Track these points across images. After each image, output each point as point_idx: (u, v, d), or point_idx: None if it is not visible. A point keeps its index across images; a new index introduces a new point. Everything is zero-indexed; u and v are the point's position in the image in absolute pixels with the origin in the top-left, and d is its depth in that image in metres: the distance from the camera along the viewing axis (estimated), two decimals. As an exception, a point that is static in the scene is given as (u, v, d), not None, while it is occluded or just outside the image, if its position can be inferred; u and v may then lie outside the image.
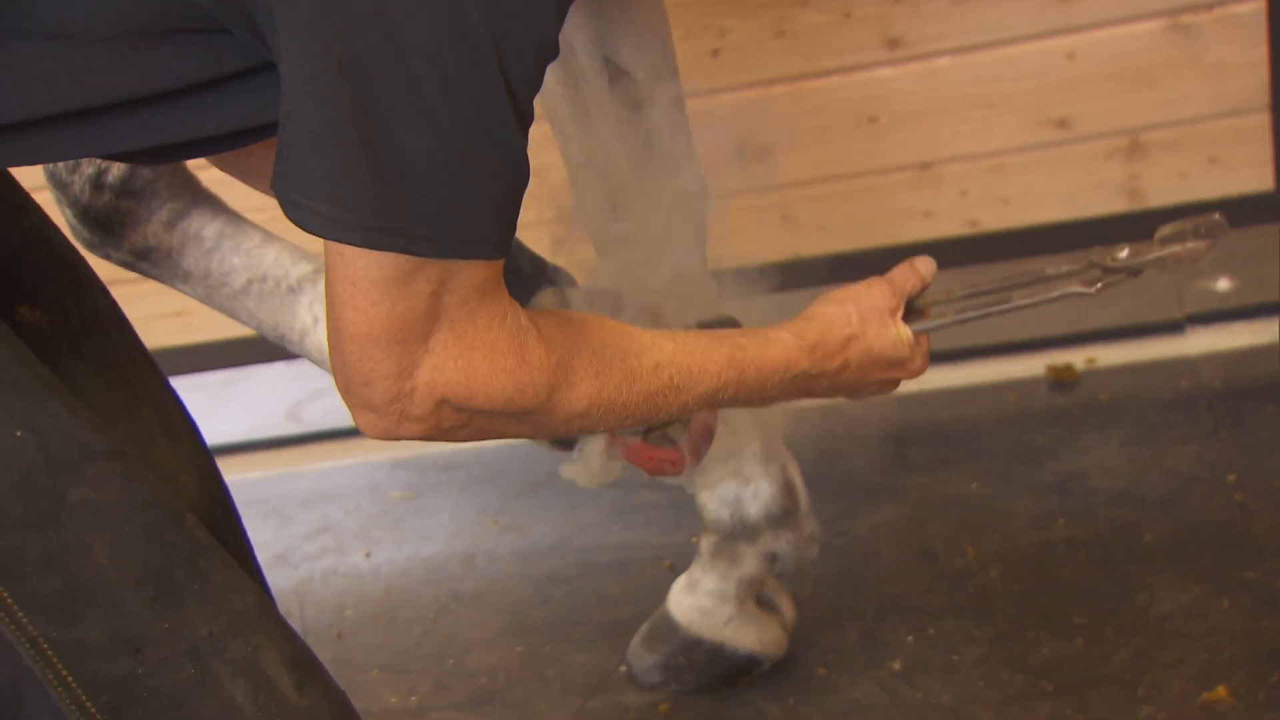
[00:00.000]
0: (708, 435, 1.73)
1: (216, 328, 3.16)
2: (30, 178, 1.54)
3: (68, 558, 1.25)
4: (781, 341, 1.48)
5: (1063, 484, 2.61)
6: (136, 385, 1.48)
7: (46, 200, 1.96)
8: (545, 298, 1.76)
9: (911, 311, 1.60)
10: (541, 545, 2.78)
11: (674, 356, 1.39)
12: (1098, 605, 2.31)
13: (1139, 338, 2.94)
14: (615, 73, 1.99)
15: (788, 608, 2.36)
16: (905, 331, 1.56)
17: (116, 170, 1.93)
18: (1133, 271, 1.59)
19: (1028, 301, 1.61)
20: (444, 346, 1.23)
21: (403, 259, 1.17)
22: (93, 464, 1.26)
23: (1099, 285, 1.59)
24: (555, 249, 1.88)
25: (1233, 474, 2.53)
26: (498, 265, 1.24)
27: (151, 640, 1.28)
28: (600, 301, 1.76)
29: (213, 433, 1.59)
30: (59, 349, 1.42)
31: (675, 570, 2.48)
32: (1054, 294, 1.60)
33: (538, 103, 2.04)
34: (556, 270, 1.81)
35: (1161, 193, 2.93)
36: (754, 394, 1.47)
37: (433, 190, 1.16)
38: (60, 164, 1.93)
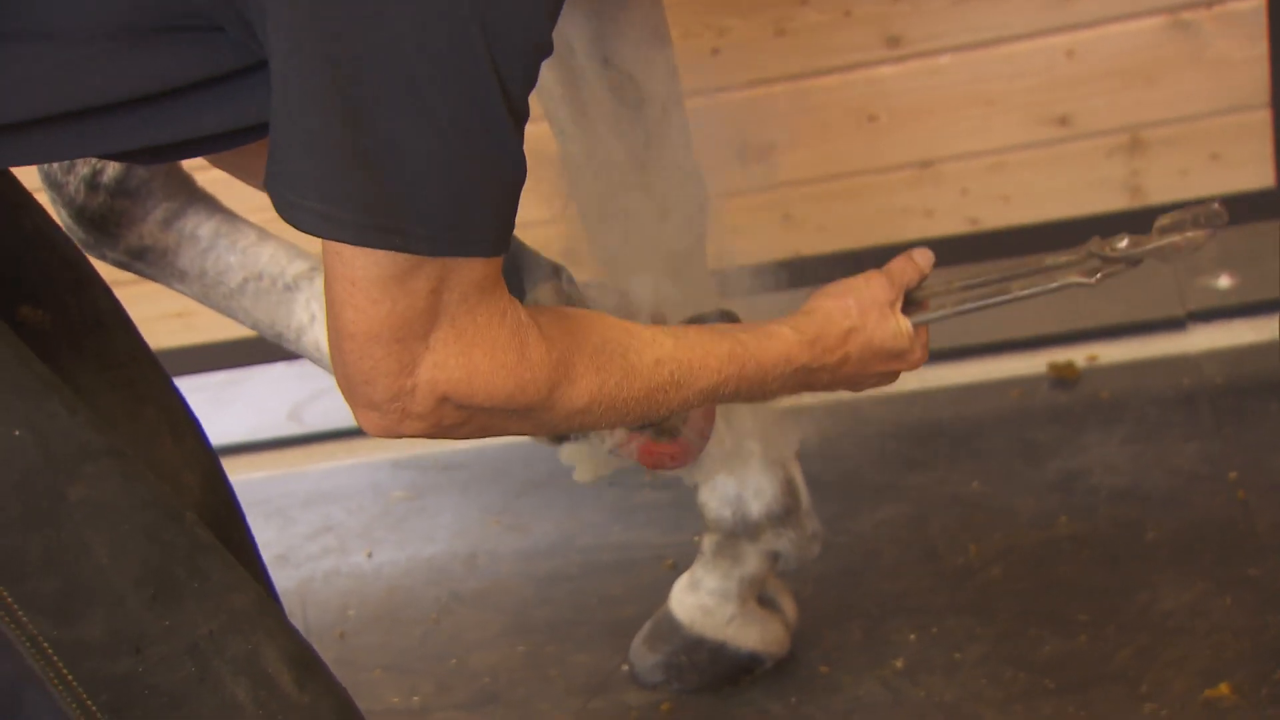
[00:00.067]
0: (707, 429, 1.73)
1: (218, 328, 3.16)
2: (31, 178, 1.54)
3: (68, 557, 1.25)
4: (781, 336, 1.48)
5: (1065, 482, 2.61)
6: (139, 384, 1.48)
7: (47, 200, 1.97)
8: (544, 292, 1.76)
9: (910, 303, 1.60)
10: (543, 545, 2.78)
11: (674, 352, 1.39)
12: (1100, 603, 2.31)
13: (1141, 335, 2.93)
14: (614, 72, 1.99)
15: (790, 606, 2.36)
16: (904, 323, 1.56)
17: (111, 170, 1.93)
18: (1132, 261, 1.58)
19: (1027, 292, 1.60)
20: (444, 344, 1.23)
21: (401, 257, 1.17)
22: (92, 463, 1.27)
23: (1098, 275, 1.58)
24: (554, 249, 1.88)
25: (1235, 471, 2.52)
26: (497, 262, 1.24)
27: (152, 639, 1.28)
28: (599, 296, 1.76)
29: (215, 433, 1.59)
30: (61, 348, 1.42)
31: (677, 569, 2.48)
32: (1053, 284, 1.59)
33: (537, 102, 2.05)
34: (555, 266, 1.81)
35: (1162, 190, 2.93)
36: (755, 388, 1.47)
37: (429, 188, 1.16)
38: (55, 164, 1.93)
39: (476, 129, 1.16)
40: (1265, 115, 2.88)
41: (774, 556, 2.27)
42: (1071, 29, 2.85)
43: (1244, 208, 2.86)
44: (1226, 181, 2.90)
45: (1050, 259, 1.60)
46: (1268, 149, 2.90)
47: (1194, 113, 2.89)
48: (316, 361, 2.03)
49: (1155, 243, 1.57)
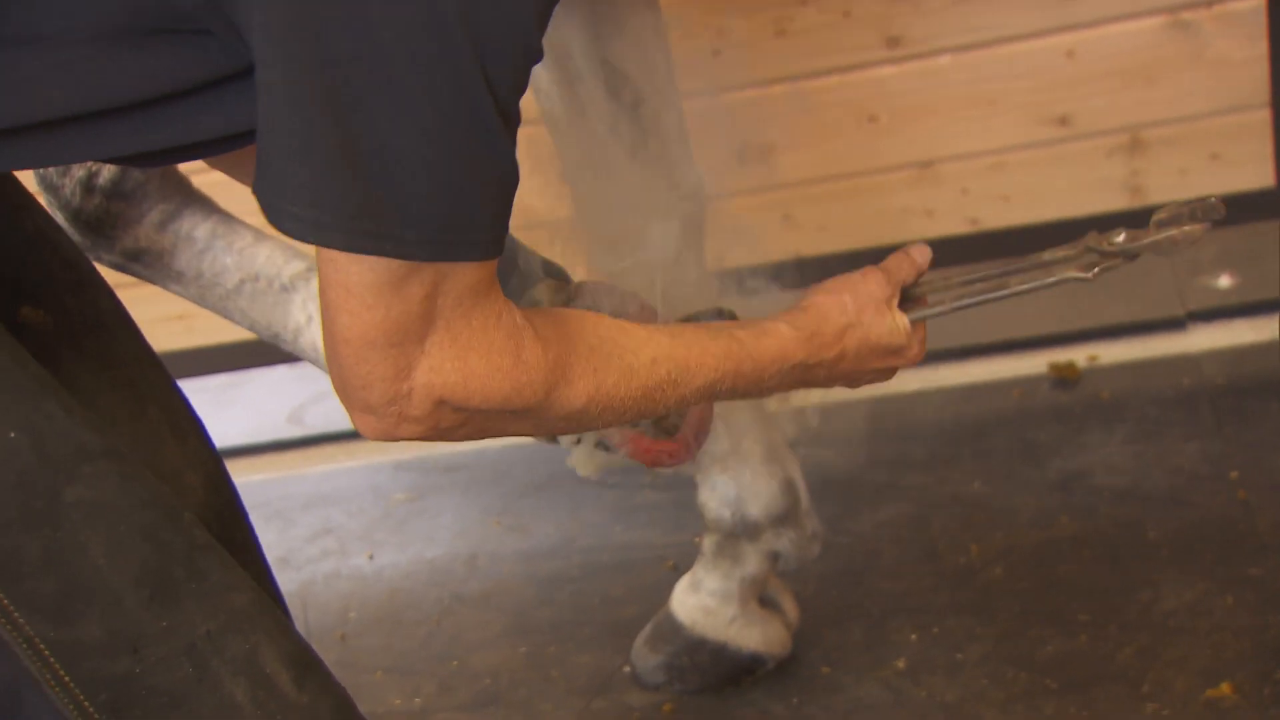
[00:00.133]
0: (705, 426, 1.74)
1: (218, 331, 3.15)
2: (30, 179, 1.54)
3: (64, 557, 1.25)
4: (777, 332, 1.48)
5: (1066, 482, 2.61)
6: (141, 384, 1.48)
7: (44, 203, 1.96)
8: (541, 291, 1.76)
9: (908, 299, 1.59)
10: (544, 546, 2.78)
11: (671, 351, 1.39)
12: (1102, 603, 2.31)
13: (1141, 335, 2.93)
14: (611, 73, 1.99)
15: (791, 607, 2.36)
16: (902, 319, 1.56)
17: (107, 173, 1.93)
18: (1129, 256, 1.58)
19: (1024, 287, 1.60)
20: (440, 348, 1.22)
21: (395, 263, 1.17)
22: (89, 464, 1.26)
23: (1095, 270, 1.58)
24: (552, 250, 1.88)
25: (1236, 471, 2.53)
26: (491, 265, 1.23)
27: (149, 639, 1.28)
28: (596, 295, 1.76)
29: (215, 436, 1.59)
30: (62, 349, 1.42)
31: (678, 570, 2.48)
32: (1051, 279, 1.59)
33: (535, 103, 2.05)
34: (550, 264, 1.81)
35: (1162, 190, 2.93)
36: (751, 385, 1.47)
37: (420, 193, 1.15)
38: (50, 168, 1.93)
39: (466, 134, 1.15)
40: (1265, 115, 2.88)
41: (774, 556, 2.27)
42: (1071, 29, 2.85)
43: (1244, 208, 2.86)
44: (1226, 181, 2.90)
45: (1047, 254, 1.60)
46: (1267, 149, 2.90)
47: (1194, 112, 2.89)
48: (314, 362, 2.03)
49: (1152, 237, 1.57)
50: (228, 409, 3.36)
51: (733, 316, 1.67)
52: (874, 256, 1.62)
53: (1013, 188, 2.98)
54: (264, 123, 1.15)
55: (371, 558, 2.86)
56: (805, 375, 1.52)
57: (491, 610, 2.64)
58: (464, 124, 1.15)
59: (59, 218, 1.96)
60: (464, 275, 1.21)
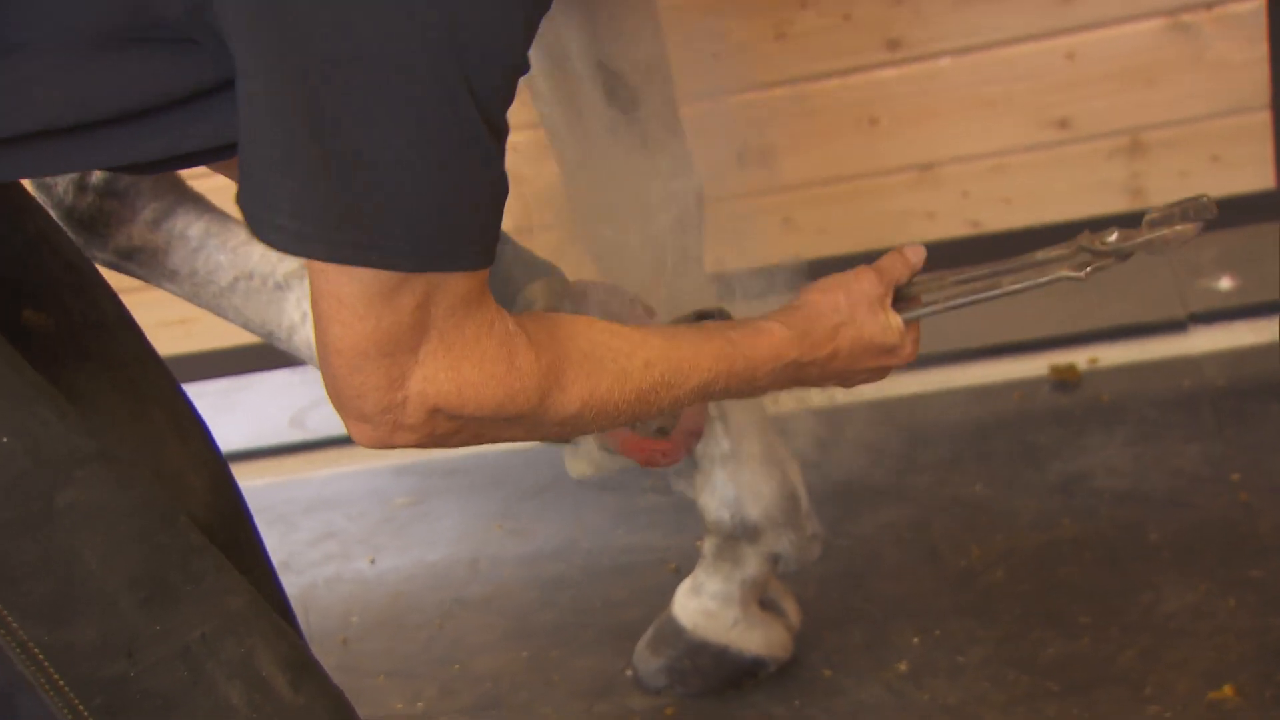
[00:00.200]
0: (698, 425, 1.74)
1: (219, 336, 3.16)
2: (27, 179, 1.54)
3: (58, 561, 1.25)
4: (771, 331, 1.49)
5: (1067, 484, 2.61)
6: (144, 386, 1.48)
7: (45, 206, 1.96)
8: (534, 289, 1.77)
9: (901, 299, 1.60)
10: (546, 549, 2.78)
11: (665, 353, 1.39)
12: (1103, 605, 2.31)
13: (1141, 337, 2.93)
14: (609, 76, 1.99)
15: (792, 610, 2.36)
16: (895, 319, 1.56)
17: (100, 171, 1.93)
18: (1122, 255, 1.59)
19: (1018, 287, 1.60)
20: (433, 357, 1.23)
21: (385, 274, 1.17)
22: (82, 467, 1.27)
23: (1088, 269, 1.59)
24: (551, 252, 1.89)
25: (1237, 473, 2.52)
26: (483, 274, 1.23)
27: (144, 642, 1.28)
28: (592, 293, 1.77)
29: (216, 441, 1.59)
30: (65, 352, 1.42)
31: (680, 573, 2.48)
32: (1044, 279, 1.60)
33: (533, 107, 2.05)
34: (542, 263, 1.81)
35: (1163, 192, 2.93)
36: (745, 385, 1.47)
37: (407, 204, 1.15)
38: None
39: (451, 145, 1.15)
40: (1265, 117, 2.88)
41: (774, 559, 2.27)
42: (1071, 31, 2.85)
43: (1244, 209, 2.86)
44: (1227, 183, 2.90)
45: (1041, 254, 1.61)
46: (1268, 151, 2.90)
47: (1194, 115, 2.89)
48: (308, 360, 2.02)
49: (1145, 236, 1.58)
50: (229, 413, 3.36)
51: (727, 316, 1.67)
52: (875, 259, 1.62)
53: (1013, 190, 2.98)
54: (246, 133, 1.15)
55: (373, 562, 2.86)
56: (798, 374, 1.52)
57: (493, 614, 2.64)
58: (449, 135, 1.14)
59: (52, 216, 1.96)
60: (456, 285, 1.21)
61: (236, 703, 1.32)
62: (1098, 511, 2.52)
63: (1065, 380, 2.90)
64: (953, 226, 3.01)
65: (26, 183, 1.91)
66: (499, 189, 1.21)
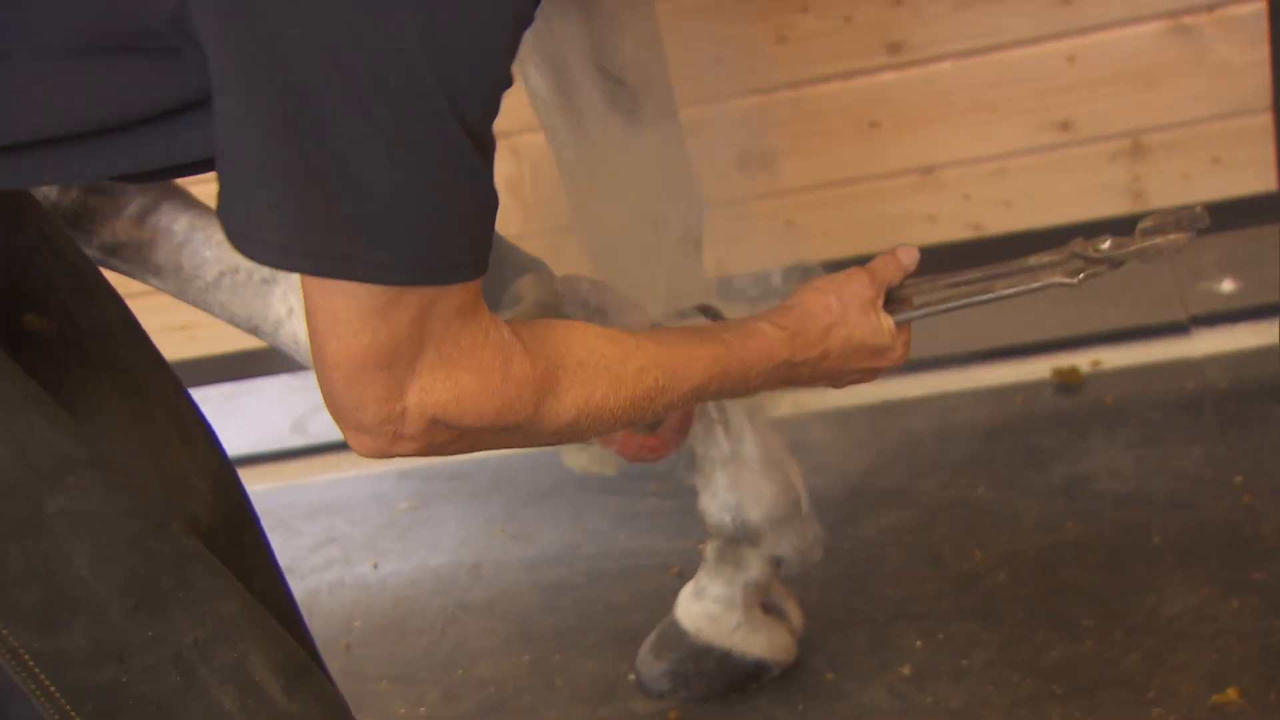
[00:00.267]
0: (687, 422, 1.75)
1: (220, 341, 3.16)
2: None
3: (48, 568, 1.25)
4: (763, 333, 1.50)
5: (1069, 487, 2.61)
6: (148, 389, 1.48)
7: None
8: (522, 285, 1.77)
9: (894, 300, 1.60)
10: (548, 553, 2.78)
11: (659, 359, 1.39)
12: (1106, 607, 2.31)
13: (1144, 340, 2.93)
14: (608, 80, 1.99)
15: (795, 614, 2.36)
16: (886, 320, 1.57)
17: None
18: (1114, 263, 1.59)
19: (1010, 291, 1.61)
20: (431, 369, 1.23)
21: (379, 289, 1.17)
22: (73, 474, 1.27)
23: (1081, 276, 1.59)
24: (551, 254, 1.89)
25: (1240, 475, 2.52)
26: (476, 284, 1.24)
27: (136, 648, 1.28)
28: (580, 287, 1.77)
29: (218, 445, 1.60)
30: (67, 355, 1.42)
31: (683, 577, 2.48)
32: (1036, 284, 1.60)
33: (533, 111, 2.05)
34: (529, 258, 1.81)
35: (1164, 194, 2.93)
36: (738, 386, 1.48)
37: (392, 218, 1.14)
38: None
39: (436, 160, 1.14)
40: (1267, 119, 2.88)
41: (776, 561, 2.27)
42: (1072, 34, 2.85)
43: (1246, 212, 2.86)
44: (1228, 185, 2.90)
45: (1034, 259, 1.62)
46: (1269, 153, 2.90)
47: (1195, 117, 2.89)
48: (294, 355, 2.02)
49: (1138, 244, 1.59)
50: (231, 419, 3.36)
51: (718, 314, 1.68)
52: (875, 262, 1.62)
53: (1015, 193, 2.98)
54: (225, 146, 1.14)
55: (375, 566, 2.86)
56: (790, 374, 1.53)
57: (496, 618, 2.64)
58: (431, 150, 1.14)
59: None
60: (451, 297, 1.21)
61: (229, 708, 1.32)
62: (1100, 514, 2.52)
63: (1068, 383, 2.90)
64: (954, 229, 3.01)
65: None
66: (488, 201, 1.20)
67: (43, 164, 1.23)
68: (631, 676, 2.39)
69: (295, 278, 1.96)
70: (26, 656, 1.27)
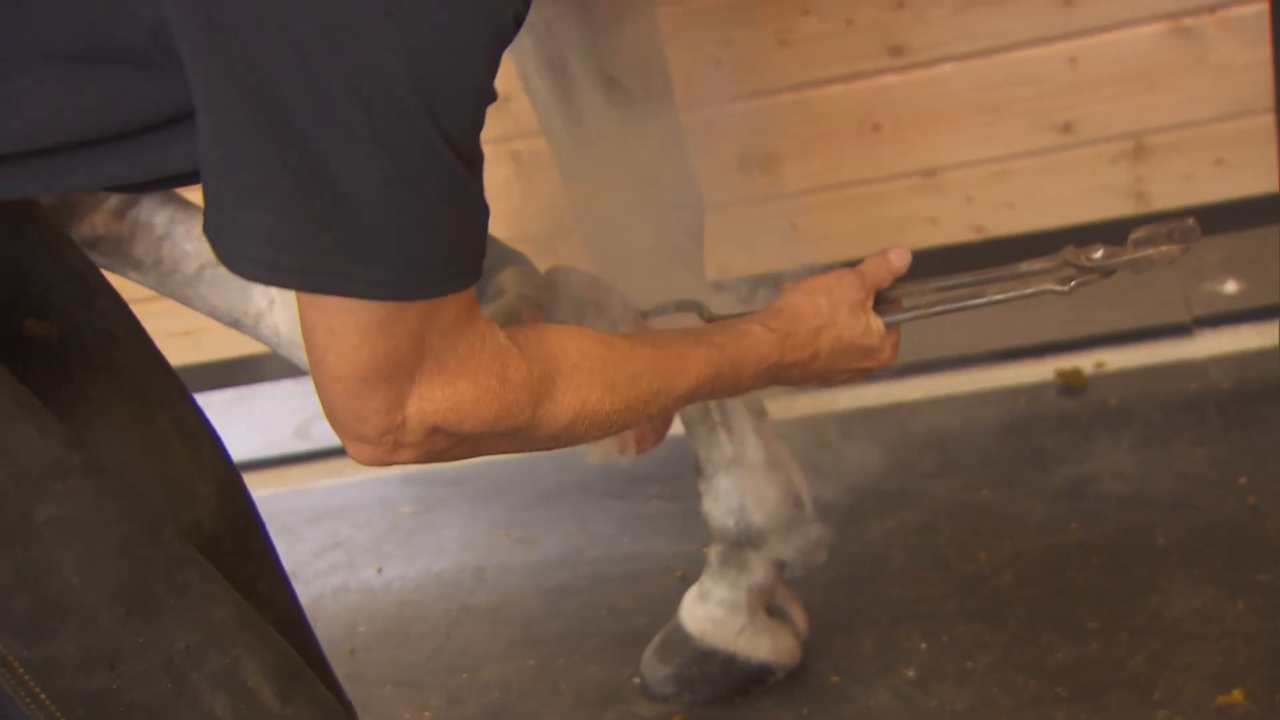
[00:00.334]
0: (669, 417, 1.77)
1: (224, 347, 3.16)
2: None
3: (37, 576, 1.25)
4: (754, 334, 1.51)
5: (1074, 488, 2.61)
6: (151, 393, 1.48)
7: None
8: (505, 278, 1.77)
9: (884, 302, 1.61)
10: (552, 557, 2.78)
11: (653, 363, 1.40)
12: (1111, 609, 2.31)
13: (1147, 341, 2.94)
14: (609, 84, 1.99)
15: (800, 617, 2.36)
16: (875, 322, 1.58)
17: None
18: (1105, 272, 1.60)
19: (1001, 297, 1.62)
20: (429, 377, 1.23)
21: (374, 304, 1.17)
22: (62, 481, 1.26)
23: (1072, 284, 1.60)
24: (551, 255, 1.89)
25: (1244, 476, 2.52)
26: (470, 291, 1.24)
27: (126, 655, 1.28)
28: (568, 279, 1.78)
29: (222, 450, 1.59)
30: (70, 360, 1.42)
31: (686, 580, 2.48)
32: (1027, 290, 1.61)
33: (534, 114, 2.05)
34: (512, 251, 1.81)
35: (1167, 195, 2.93)
36: (730, 387, 1.49)
37: (384, 233, 1.14)
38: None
39: (425, 176, 1.14)
40: (1269, 120, 2.88)
41: (780, 564, 2.26)
42: (1074, 36, 2.85)
43: (1248, 213, 2.86)
44: (1230, 187, 2.90)
45: (1025, 265, 1.62)
46: (1271, 154, 2.90)
47: (1197, 118, 2.89)
48: (275, 347, 2.01)
49: (1129, 255, 1.60)
50: (234, 424, 3.35)
51: (705, 310, 1.69)
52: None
53: (1017, 195, 2.98)
54: (211, 166, 1.14)
55: (379, 571, 2.86)
56: (780, 375, 1.54)
57: (500, 622, 2.64)
58: (419, 167, 1.13)
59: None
60: (448, 308, 1.21)
61: (221, 714, 1.31)
62: (1105, 515, 2.52)
63: (1071, 385, 2.90)
64: (956, 232, 3.01)
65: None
66: (478, 212, 1.20)
67: (35, 174, 1.23)
68: (636, 680, 2.39)
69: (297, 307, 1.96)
70: (16, 664, 1.26)
